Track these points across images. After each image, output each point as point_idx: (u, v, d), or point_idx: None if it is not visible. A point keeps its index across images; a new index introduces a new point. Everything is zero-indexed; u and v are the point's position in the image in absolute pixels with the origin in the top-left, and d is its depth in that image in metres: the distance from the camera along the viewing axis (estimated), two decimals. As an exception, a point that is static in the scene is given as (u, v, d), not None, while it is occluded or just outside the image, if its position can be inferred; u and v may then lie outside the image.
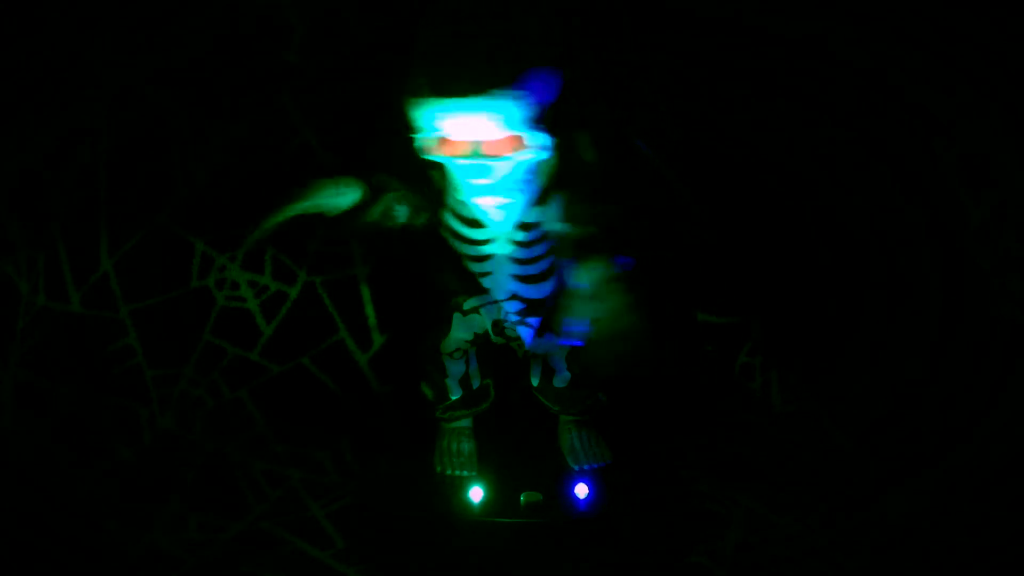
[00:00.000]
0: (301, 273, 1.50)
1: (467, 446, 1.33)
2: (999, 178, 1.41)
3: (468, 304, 1.25)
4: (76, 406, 1.45)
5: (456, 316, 1.27)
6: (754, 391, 1.52)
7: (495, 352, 1.34)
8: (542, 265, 1.18)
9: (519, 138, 1.03)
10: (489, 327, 1.27)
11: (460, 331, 1.28)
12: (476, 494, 1.25)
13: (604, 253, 1.09)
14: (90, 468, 1.37)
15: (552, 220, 1.13)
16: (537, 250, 1.17)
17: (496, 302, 1.23)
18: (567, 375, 1.31)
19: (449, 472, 1.30)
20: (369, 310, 1.51)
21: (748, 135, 1.49)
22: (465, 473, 1.29)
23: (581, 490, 1.25)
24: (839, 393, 1.49)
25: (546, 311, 1.22)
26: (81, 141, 1.46)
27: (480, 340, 1.30)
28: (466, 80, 0.98)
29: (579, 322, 1.07)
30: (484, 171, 1.06)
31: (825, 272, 1.51)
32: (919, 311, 1.48)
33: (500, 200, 1.09)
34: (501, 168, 1.06)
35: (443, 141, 1.03)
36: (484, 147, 1.03)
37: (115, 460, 1.40)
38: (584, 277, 1.08)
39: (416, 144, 1.06)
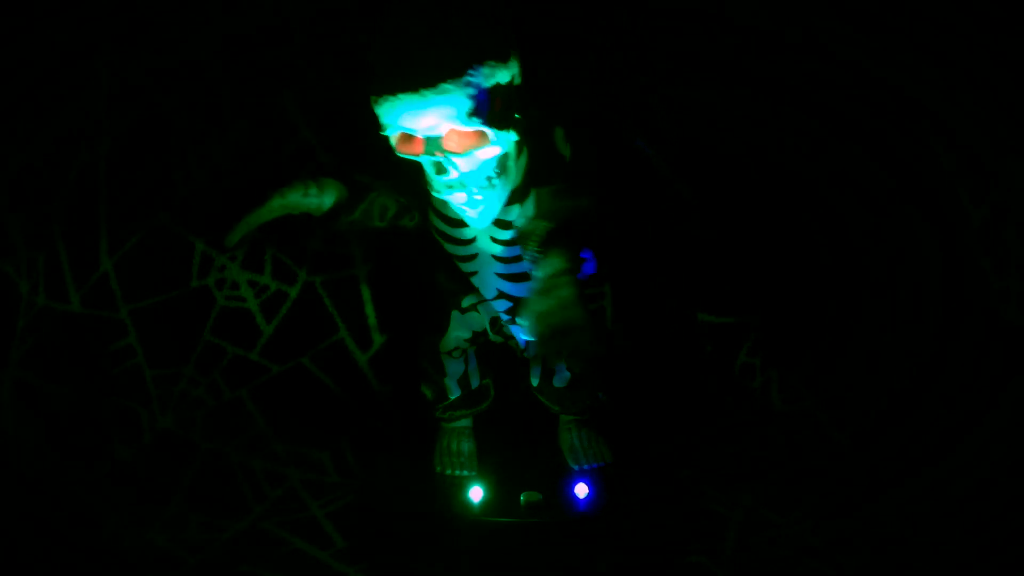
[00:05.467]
0: (301, 273, 1.50)
1: (467, 446, 1.33)
2: (999, 178, 1.41)
3: (466, 302, 1.26)
4: (76, 406, 1.44)
5: (455, 314, 1.27)
6: (754, 391, 1.52)
7: (494, 351, 1.34)
8: (526, 264, 1.17)
9: (477, 134, 1.03)
10: (488, 325, 1.27)
11: (459, 329, 1.29)
12: (476, 494, 1.25)
13: (561, 247, 1.06)
14: (90, 468, 1.37)
15: (528, 217, 1.14)
16: (519, 249, 1.17)
17: (487, 300, 1.24)
18: (567, 375, 1.31)
19: (449, 472, 1.30)
20: (369, 310, 1.51)
21: (748, 135, 1.49)
22: (465, 473, 1.29)
23: (581, 490, 1.25)
24: (839, 393, 1.49)
25: None
26: (81, 141, 1.46)
27: (480, 339, 1.30)
28: (414, 75, 0.99)
29: (528, 315, 1.05)
30: (446, 167, 1.06)
31: (825, 272, 1.51)
32: (919, 311, 1.48)
33: (470, 197, 1.10)
34: (463, 164, 1.06)
35: (404, 138, 1.05)
36: (443, 143, 1.03)
37: (115, 460, 1.40)
38: (538, 271, 1.07)
39: (388, 143, 1.07)
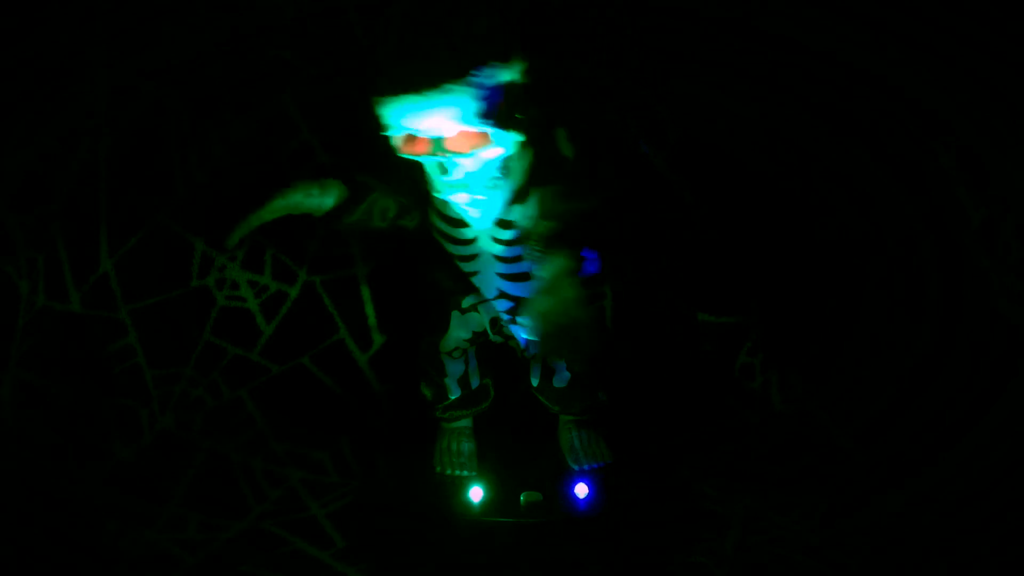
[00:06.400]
0: (301, 273, 1.50)
1: (467, 446, 1.33)
2: (999, 178, 1.41)
3: (466, 302, 1.26)
4: (76, 406, 1.44)
5: (455, 314, 1.27)
6: (754, 391, 1.52)
7: (494, 352, 1.34)
8: (527, 264, 1.18)
9: (480, 134, 1.04)
10: (488, 325, 1.27)
11: (459, 330, 1.28)
12: (476, 494, 1.25)
13: (564, 248, 1.10)
14: (90, 468, 1.37)
15: (530, 217, 1.14)
16: (520, 248, 1.17)
17: (488, 300, 1.24)
18: (567, 375, 1.31)
19: (449, 472, 1.30)
20: (369, 310, 1.51)
21: (749, 135, 1.49)
22: (465, 473, 1.29)
23: (581, 490, 1.25)
24: (839, 393, 1.49)
25: None
26: (81, 141, 1.46)
27: (479, 339, 1.30)
28: (418, 76, 0.99)
29: (530, 314, 1.09)
30: (449, 167, 1.07)
31: (825, 272, 1.51)
32: (919, 311, 1.47)
33: (472, 197, 1.10)
34: (466, 165, 1.07)
35: (408, 139, 1.05)
36: (446, 144, 1.04)
37: (115, 460, 1.40)
38: (541, 271, 1.10)
39: (390, 144, 1.07)
